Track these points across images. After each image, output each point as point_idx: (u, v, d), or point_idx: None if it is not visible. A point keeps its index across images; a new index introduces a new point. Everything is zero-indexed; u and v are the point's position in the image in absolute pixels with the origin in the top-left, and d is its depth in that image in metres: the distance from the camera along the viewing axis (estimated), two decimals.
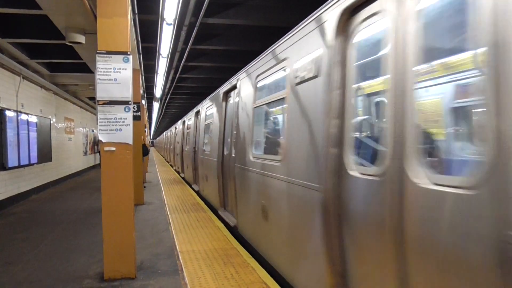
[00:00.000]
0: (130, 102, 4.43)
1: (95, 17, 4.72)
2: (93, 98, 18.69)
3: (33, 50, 10.02)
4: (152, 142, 50.92)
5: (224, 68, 13.62)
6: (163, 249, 5.50)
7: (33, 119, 11.16)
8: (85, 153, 20.61)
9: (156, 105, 22.70)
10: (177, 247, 5.53)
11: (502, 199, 1.56)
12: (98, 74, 4.38)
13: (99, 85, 4.38)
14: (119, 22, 4.49)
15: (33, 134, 11.12)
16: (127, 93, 4.42)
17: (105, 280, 4.34)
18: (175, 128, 21.42)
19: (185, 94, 21.19)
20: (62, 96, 14.98)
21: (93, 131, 22.49)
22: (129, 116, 4.41)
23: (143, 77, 13.52)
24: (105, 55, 4.40)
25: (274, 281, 4.12)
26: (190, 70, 14.33)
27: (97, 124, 4.37)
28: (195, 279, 4.24)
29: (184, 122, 15.99)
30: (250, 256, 5.03)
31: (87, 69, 11.11)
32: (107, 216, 4.35)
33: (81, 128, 19.59)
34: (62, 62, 11.24)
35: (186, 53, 10.64)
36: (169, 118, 41.58)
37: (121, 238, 4.39)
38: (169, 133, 28.00)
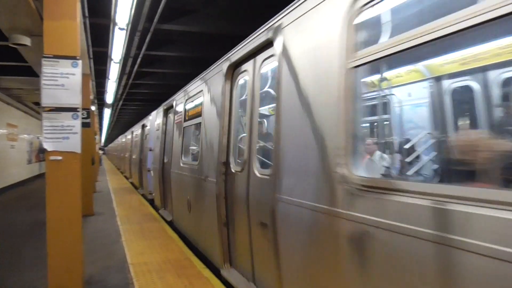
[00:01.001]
0: (78, 109, 4.24)
1: (42, 18, 4.50)
2: (39, 103, 17.76)
3: None
4: (102, 149, 49.05)
5: (180, 75, 13.44)
6: (114, 262, 5.28)
7: None
8: (30, 162, 19.51)
9: (107, 112, 21.95)
10: (129, 260, 5.33)
11: None
12: (44, 79, 4.16)
13: (44, 91, 4.15)
14: (67, 25, 4.30)
15: None
16: (76, 100, 4.22)
17: None
18: (144, 126, 13.11)
19: (139, 100, 20.69)
20: (5, 101, 14.10)
21: (38, 138, 21.34)
22: (77, 123, 4.22)
23: (94, 82, 13.06)
24: (52, 59, 4.20)
25: None
26: (144, 76, 14.02)
27: (42, 131, 4.14)
28: None
29: (169, 109, 8.30)
30: (205, 266, 4.95)
31: (33, 73, 10.55)
32: (53, 229, 4.11)
33: (25, 135, 18.53)
34: (5, 64, 10.59)
35: (139, 59, 10.40)
36: (121, 125, 40.40)
37: (68, 252, 4.16)
38: (130, 136, 18.85)
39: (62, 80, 4.20)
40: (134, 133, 16.58)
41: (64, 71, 4.21)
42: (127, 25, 6.60)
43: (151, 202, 10.47)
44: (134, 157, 15.63)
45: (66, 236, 4.16)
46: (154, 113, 10.71)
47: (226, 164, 4.25)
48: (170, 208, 7.67)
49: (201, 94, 5.52)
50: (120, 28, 6.64)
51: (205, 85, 5.32)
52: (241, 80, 4.24)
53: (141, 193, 12.80)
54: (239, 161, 4.11)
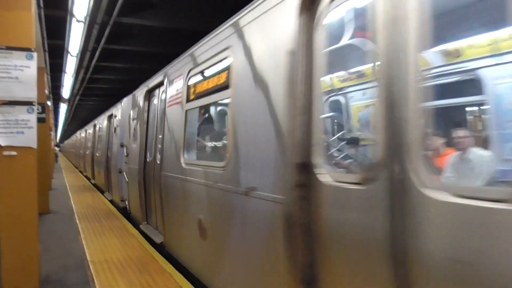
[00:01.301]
0: (34, 103, 4.10)
1: None
2: None
3: None
4: (58, 146, 47.21)
5: (139, 70, 13.20)
6: (72, 260, 5.14)
7: None
8: None
9: (63, 107, 21.16)
10: (88, 257, 5.21)
11: None
12: None
13: None
14: (21, 15, 4.14)
15: None
16: (31, 93, 4.08)
17: None
18: (111, 117, 10.71)
19: (97, 95, 20.13)
20: None
21: None
22: (32, 118, 4.08)
23: (49, 76, 12.57)
24: (4, 51, 4.03)
25: (191, 286, 4.09)
26: (103, 71, 13.66)
27: None
28: None
29: (156, 89, 6.26)
30: (167, 262, 4.93)
31: None
32: (6, 227, 3.95)
33: None
34: None
35: (98, 53, 10.13)
36: (78, 121, 39.06)
37: (23, 251, 4.02)
38: (92, 130, 15.97)
39: (16, 72, 4.04)
40: (98, 126, 14.28)
41: (18, 63, 4.06)
42: (85, 17, 6.43)
43: (124, 211, 8.31)
44: (98, 154, 13.34)
45: (21, 234, 4.01)
46: (127, 99, 8.72)
47: (306, 168, 2.31)
48: (159, 225, 5.55)
49: (226, 55, 3.49)
50: (77, 21, 6.45)
51: (238, 36, 3.26)
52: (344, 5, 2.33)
53: (109, 198, 10.42)
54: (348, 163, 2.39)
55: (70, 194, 12.09)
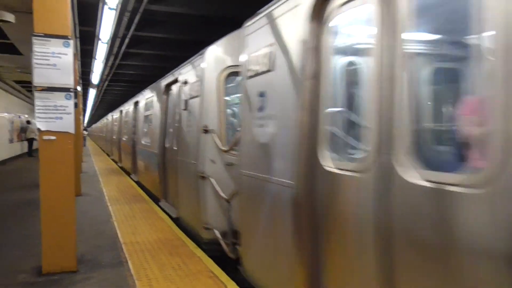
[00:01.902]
0: (71, 90, 4.24)
1: None
2: (21, 82, 17.42)
3: None
4: (86, 130, 48.38)
5: (166, 57, 13.32)
6: (105, 241, 5.35)
7: None
8: (11, 141, 19.21)
9: (92, 92, 21.65)
10: (120, 239, 5.40)
11: None
12: (35, 58, 4.12)
13: (36, 70, 4.13)
14: (58, 3, 4.25)
15: None
16: (69, 80, 4.22)
17: (43, 274, 4.14)
18: (171, 86, 7.23)
19: (125, 81, 20.47)
20: None
21: (20, 117, 20.95)
22: (70, 104, 4.22)
23: (79, 62, 12.86)
24: (43, 38, 4.16)
25: (221, 270, 4.20)
26: (131, 57, 13.85)
27: (34, 111, 4.15)
28: (141, 270, 4.19)
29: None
30: (197, 246, 5.06)
31: (14, 50, 10.31)
32: (46, 208, 4.14)
33: (5, 114, 18.16)
34: None
35: (127, 39, 10.28)
36: (106, 105, 39.86)
37: (61, 231, 4.22)
38: (132, 108, 12.30)
39: (54, 59, 4.17)
40: (143, 103, 10.24)
41: (56, 50, 4.18)
42: (117, 5, 6.53)
43: (211, 248, 4.83)
44: (143, 142, 9.71)
45: (60, 215, 4.20)
46: (212, 51, 5.18)
47: None
48: None
49: None
50: (109, 8, 6.55)
51: None
52: None
53: (174, 216, 6.50)
54: None
55: (99, 177, 12.46)
